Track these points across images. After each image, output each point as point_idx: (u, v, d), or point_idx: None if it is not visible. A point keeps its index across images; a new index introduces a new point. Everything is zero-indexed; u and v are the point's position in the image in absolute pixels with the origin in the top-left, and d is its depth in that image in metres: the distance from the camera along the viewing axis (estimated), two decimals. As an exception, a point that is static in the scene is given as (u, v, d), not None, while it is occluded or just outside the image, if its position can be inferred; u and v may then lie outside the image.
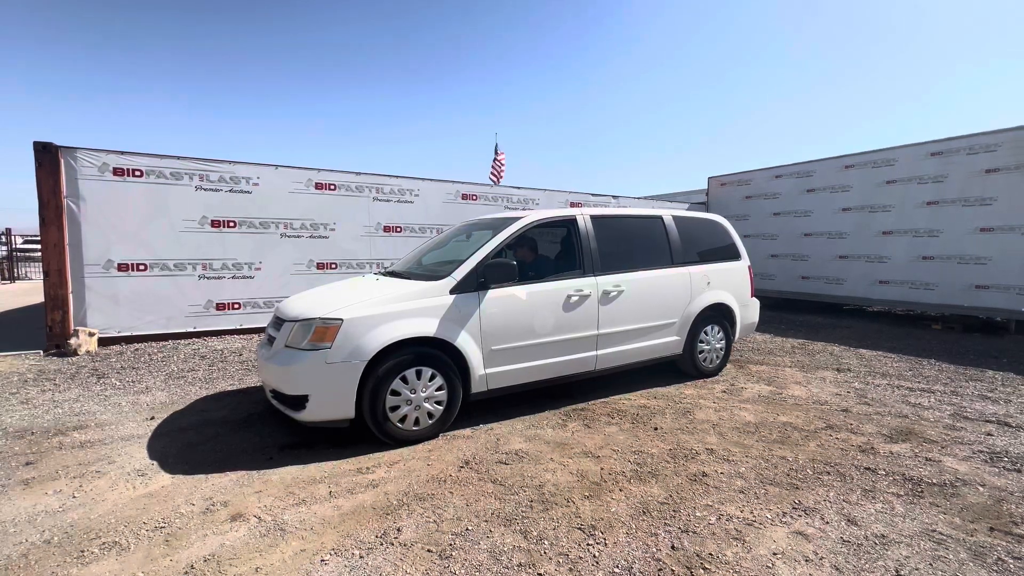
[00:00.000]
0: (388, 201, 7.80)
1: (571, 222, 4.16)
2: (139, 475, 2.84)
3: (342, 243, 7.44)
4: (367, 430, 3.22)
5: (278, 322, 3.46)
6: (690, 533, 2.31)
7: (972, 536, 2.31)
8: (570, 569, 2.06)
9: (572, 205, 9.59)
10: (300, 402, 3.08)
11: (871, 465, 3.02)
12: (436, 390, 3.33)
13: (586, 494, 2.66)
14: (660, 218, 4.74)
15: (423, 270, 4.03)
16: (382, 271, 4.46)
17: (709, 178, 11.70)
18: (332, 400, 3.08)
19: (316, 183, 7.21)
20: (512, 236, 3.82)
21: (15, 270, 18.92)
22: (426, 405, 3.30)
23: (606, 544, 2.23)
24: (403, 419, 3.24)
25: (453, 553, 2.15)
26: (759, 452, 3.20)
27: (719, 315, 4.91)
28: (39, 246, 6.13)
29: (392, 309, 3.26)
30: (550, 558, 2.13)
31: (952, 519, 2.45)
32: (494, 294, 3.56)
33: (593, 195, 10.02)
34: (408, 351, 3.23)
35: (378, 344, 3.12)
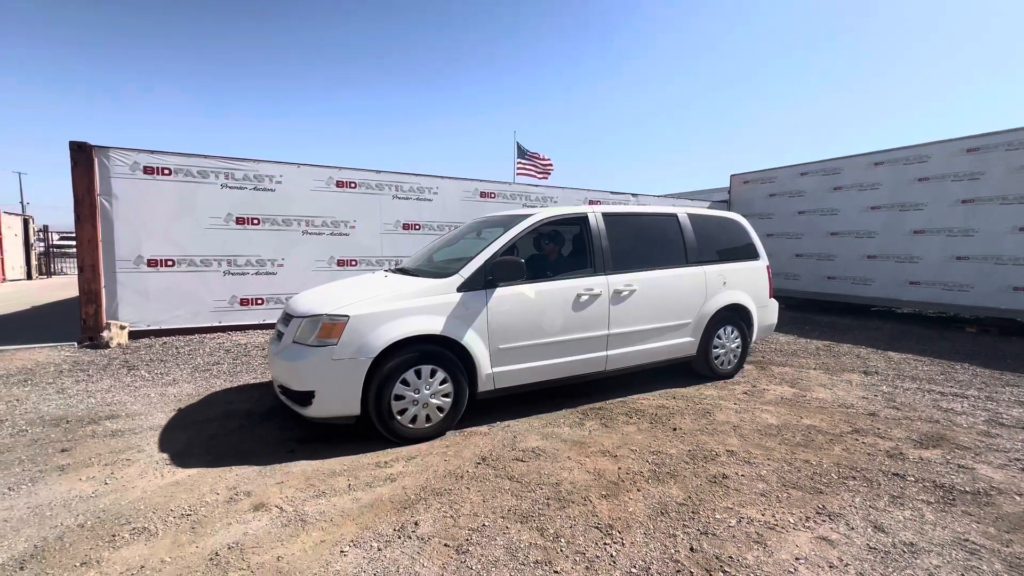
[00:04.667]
0: (407, 199, 7.86)
1: (582, 220, 4.09)
2: (167, 464, 2.93)
3: (362, 240, 7.53)
4: (373, 427, 3.23)
5: (287, 318, 3.47)
6: (709, 535, 2.28)
7: (1008, 547, 2.21)
8: (587, 568, 2.05)
9: (591, 203, 9.52)
10: (306, 398, 3.09)
11: (900, 471, 2.93)
12: (440, 384, 3.31)
13: (603, 493, 2.64)
14: (675, 216, 4.65)
15: (433, 267, 4.01)
16: (392, 268, 4.45)
17: (732, 176, 11.49)
18: (338, 397, 3.10)
19: (337, 181, 7.32)
20: (521, 234, 3.79)
21: (52, 265, 19.72)
22: (432, 402, 3.28)
23: (623, 544, 2.21)
24: (409, 417, 3.22)
25: (470, 548, 2.16)
26: (781, 455, 3.13)
27: (735, 316, 4.78)
28: (74, 242, 6.36)
29: (399, 306, 3.25)
30: (566, 556, 2.12)
31: (986, 529, 2.36)
32: (502, 292, 3.53)
33: (612, 193, 9.93)
34: (414, 349, 3.22)
35: (384, 341, 3.12)
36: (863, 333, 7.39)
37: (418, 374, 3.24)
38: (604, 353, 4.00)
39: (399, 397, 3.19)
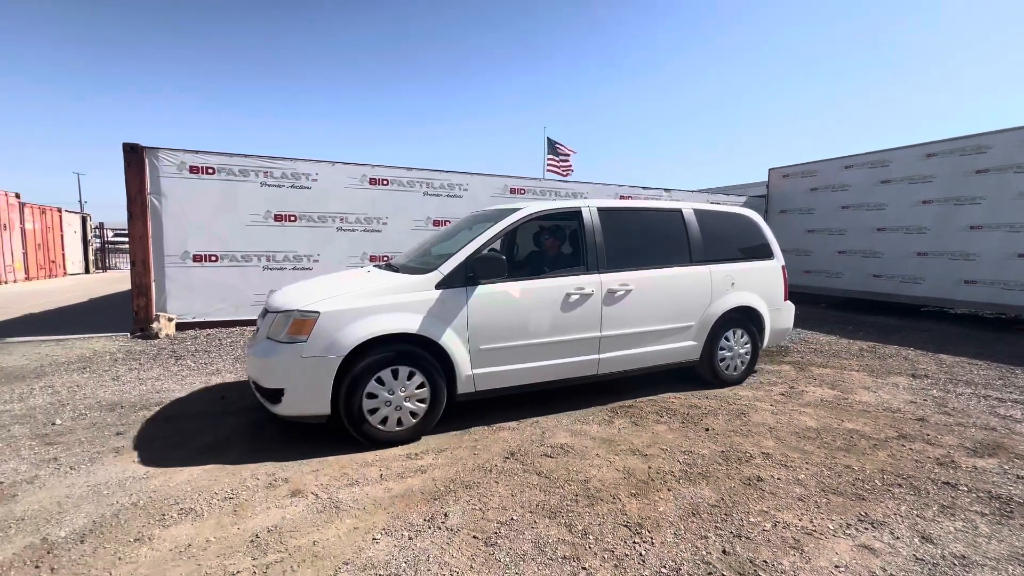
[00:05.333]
0: (438, 195, 7.95)
1: (575, 215, 3.89)
2: (211, 449, 3.07)
3: (394, 236, 7.67)
4: (348, 427, 3.08)
5: (264, 312, 3.41)
6: (743, 538, 2.22)
7: (1073, 564, 2.06)
8: (615, 565, 2.03)
9: (622, 197, 9.38)
10: (277, 395, 3.01)
11: (951, 479, 2.77)
12: (417, 388, 3.16)
13: (632, 492, 2.61)
14: (679, 212, 4.35)
15: (421, 263, 3.75)
16: (382, 263, 4.30)
17: (770, 170, 11.08)
18: (307, 395, 2.99)
19: (370, 179, 7.48)
20: (507, 229, 3.59)
21: (107, 260, 20.98)
22: (407, 405, 3.14)
23: (653, 543, 2.18)
24: (380, 419, 3.08)
25: (498, 541, 2.18)
26: (821, 459, 3.01)
27: (745, 319, 4.49)
28: (127, 239, 6.74)
29: (373, 303, 3.13)
30: (595, 553, 2.11)
31: (1048, 544, 2.20)
32: (484, 290, 3.35)
33: (644, 188, 9.75)
34: (388, 348, 3.08)
35: (355, 340, 2.99)
36: (911, 334, 7.01)
37: (394, 375, 3.10)
38: (596, 356, 3.78)
39: (371, 397, 3.05)
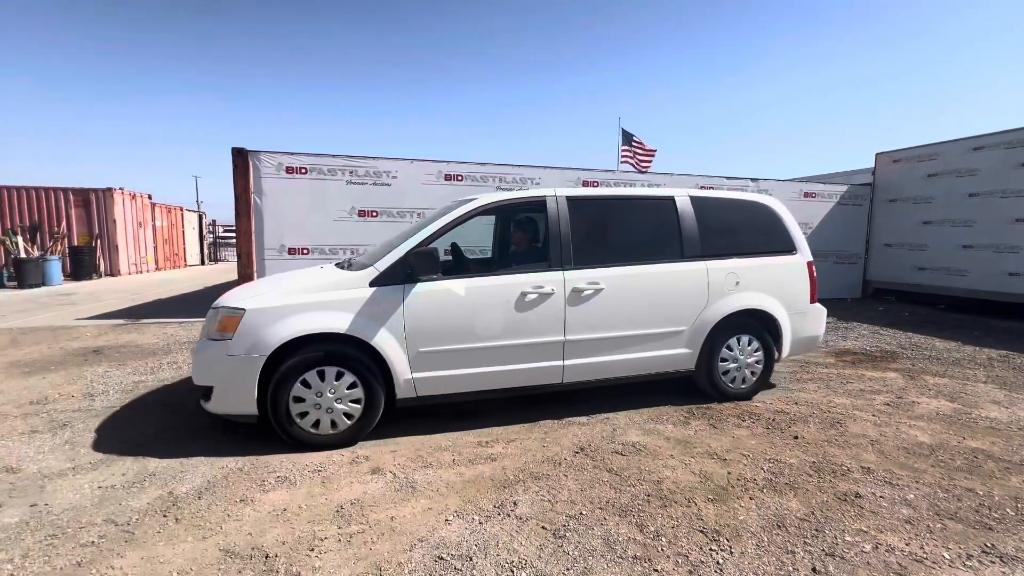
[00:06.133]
0: (510, 190, 8.03)
1: (539, 205, 3.52)
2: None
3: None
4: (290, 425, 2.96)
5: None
6: (837, 558, 2.02)
7: None
8: (690, 571, 1.94)
9: (703, 188, 8.89)
10: (207, 393, 2.95)
11: (1110, 516, 2.33)
12: (349, 390, 2.98)
13: (710, 497, 2.47)
14: (671, 200, 3.79)
15: (370, 259, 3.39)
16: (343, 262, 3.94)
17: (877, 155, 9.91)
18: (233, 395, 2.90)
19: (445, 175, 7.72)
20: (455, 221, 3.31)
21: (218, 253, 23.67)
22: (338, 407, 2.97)
23: (731, 552, 2.05)
24: (311, 422, 2.95)
25: (567, 534, 2.17)
26: (935, 479, 2.66)
27: (755, 324, 3.85)
28: (234, 234, 7.54)
29: (303, 301, 2.98)
30: (668, 556, 2.03)
31: None
32: (424, 288, 3.10)
33: (728, 179, 9.16)
34: (318, 348, 2.93)
35: (280, 338, 2.86)
36: (1058, 343, 5.96)
37: (322, 376, 2.93)
38: (559, 363, 3.39)
39: (299, 399, 2.91)
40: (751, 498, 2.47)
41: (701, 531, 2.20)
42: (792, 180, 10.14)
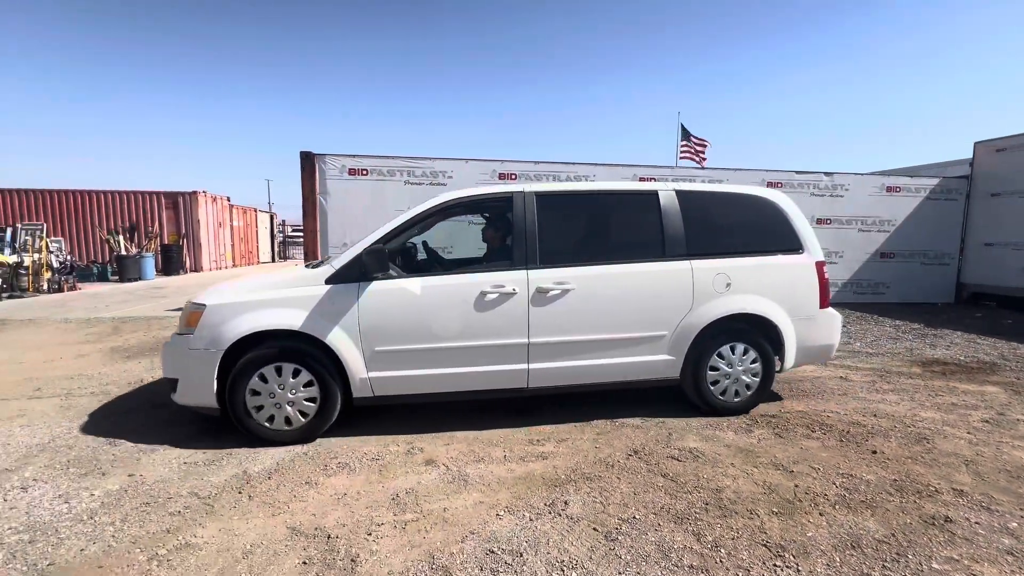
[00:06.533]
0: (564, 188, 7.97)
1: (505, 201, 3.37)
2: (363, 416, 3.49)
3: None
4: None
5: None
6: (923, 586, 1.84)
7: None
8: (752, 587, 1.84)
9: (770, 185, 8.40)
10: (174, 384, 3.06)
11: None
12: (305, 388, 3.00)
13: (774, 510, 2.33)
14: (654, 195, 3.50)
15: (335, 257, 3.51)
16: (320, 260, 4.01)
17: (976, 144, 8.91)
18: (194, 388, 2.99)
19: (500, 173, 7.78)
20: (417, 218, 3.26)
21: (286, 251, 25.30)
22: (294, 404, 3.00)
23: (798, 570, 1.92)
24: (266, 416, 2.99)
25: (619, 537, 2.12)
26: (1044, 507, 2.35)
27: (752, 330, 3.49)
28: (302, 233, 8.02)
29: (261, 297, 3.03)
30: (727, 568, 1.93)
31: None
32: (379, 287, 3.06)
33: (798, 172, 8.59)
34: (273, 344, 2.97)
35: (236, 334, 2.92)
36: None
37: (279, 371, 2.97)
38: (524, 366, 3.22)
39: (255, 394, 2.97)
40: (821, 514, 2.30)
41: (764, 545, 2.08)
42: (872, 174, 9.34)
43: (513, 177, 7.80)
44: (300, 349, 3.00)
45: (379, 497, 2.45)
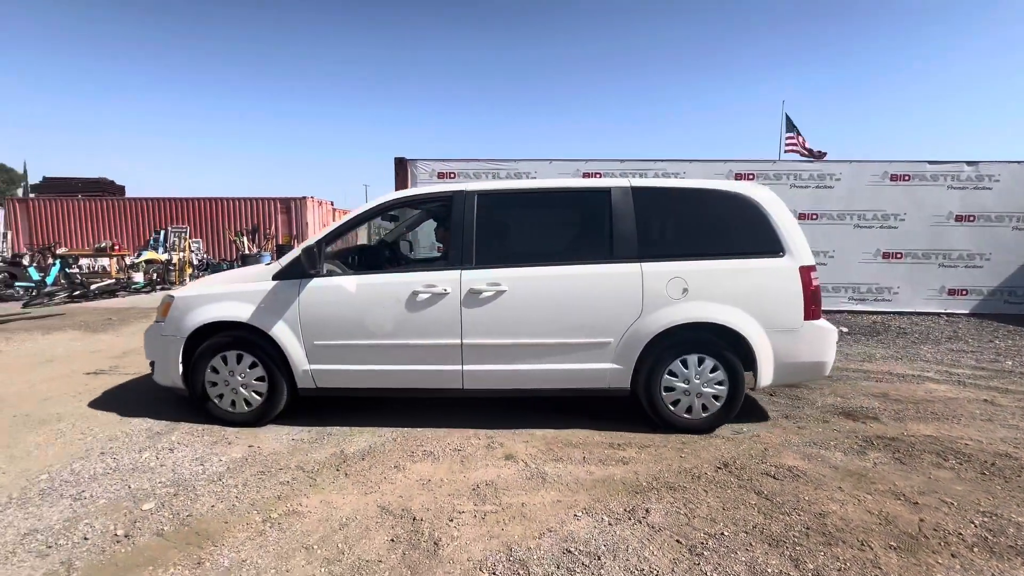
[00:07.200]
0: (650, 186, 7.70)
1: (446, 200, 3.35)
2: (445, 410, 3.63)
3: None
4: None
5: None
6: (1096, 658, 1.51)
7: None
8: (862, 627, 1.64)
9: (893, 177, 7.43)
10: (152, 366, 3.45)
11: None
12: (256, 379, 3.25)
13: (892, 544, 2.05)
14: (606, 192, 3.25)
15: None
16: None
17: None
18: (165, 370, 3.34)
19: (584, 173, 7.70)
20: (358, 219, 3.41)
21: (382, 252, 27.19)
22: (243, 391, 3.26)
23: (924, 617, 1.67)
24: (228, 401, 3.28)
25: (705, 553, 2.00)
26: None
27: (716, 341, 3.13)
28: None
29: (220, 291, 3.34)
30: (832, 603, 1.74)
31: None
32: (317, 283, 3.19)
33: (931, 163, 7.48)
34: (227, 334, 3.25)
35: (195, 323, 3.23)
36: None
37: (232, 359, 3.24)
38: (458, 368, 3.17)
39: (213, 384, 3.27)
40: (953, 555, 1.98)
41: (879, 582, 1.84)
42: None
43: (598, 176, 7.67)
44: (251, 340, 3.26)
45: (460, 486, 2.54)
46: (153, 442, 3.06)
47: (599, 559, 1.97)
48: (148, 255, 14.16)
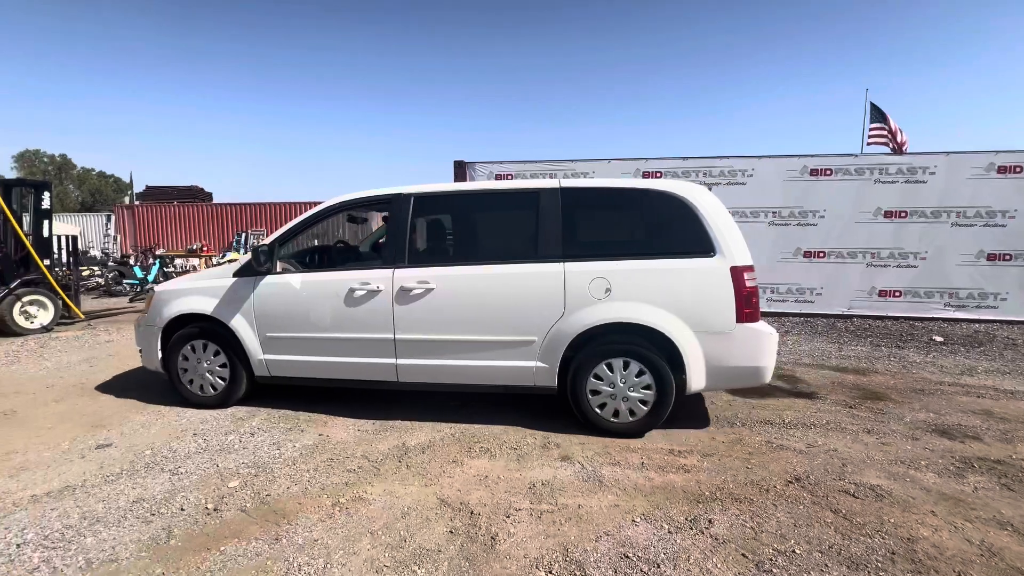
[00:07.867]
0: (717, 184, 7.35)
1: (387, 203, 3.53)
2: (499, 410, 3.68)
3: None
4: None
5: None
6: None
7: None
8: (959, 666, 1.48)
9: (1001, 169, 6.64)
10: (140, 352, 3.84)
11: None
12: (219, 367, 3.60)
13: (997, 578, 1.84)
14: (536, 194, 3.29)
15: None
16: None
17: None
18: (149, 356, 3.74)
19: (644, 172, 7.51)
20: (310, 220, 3.61)
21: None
22: (209, 377, 3.61)
23: (1037, 663, 1.48)
24: (197, 386, 3.65)
25: (774, 570, 1.89)
26: None
27: (641, 344, 3.05)
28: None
29: (191, 286, 3.69)
30: (923, 637, 1.59)
31: None
32: (269, 280, 3.49)
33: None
34: (196, 325, 3.59)
35: (169, 315, 3.61)
36: None
37: (199, 347, 3.60)
38: (392, 361, 3.35)
39: (184, 371, 3.64)
40: (1076, 598, 1.74)
41: (980, 619, 1.65)
42: None
43: (658, 175, 7.44)
44: (215, 331, 3.60)
45: (517, 484, 2.57)
46: (237, 426, 3.34)
47: (658, 567, 1.92)
48: (231, 256, 15.48)
